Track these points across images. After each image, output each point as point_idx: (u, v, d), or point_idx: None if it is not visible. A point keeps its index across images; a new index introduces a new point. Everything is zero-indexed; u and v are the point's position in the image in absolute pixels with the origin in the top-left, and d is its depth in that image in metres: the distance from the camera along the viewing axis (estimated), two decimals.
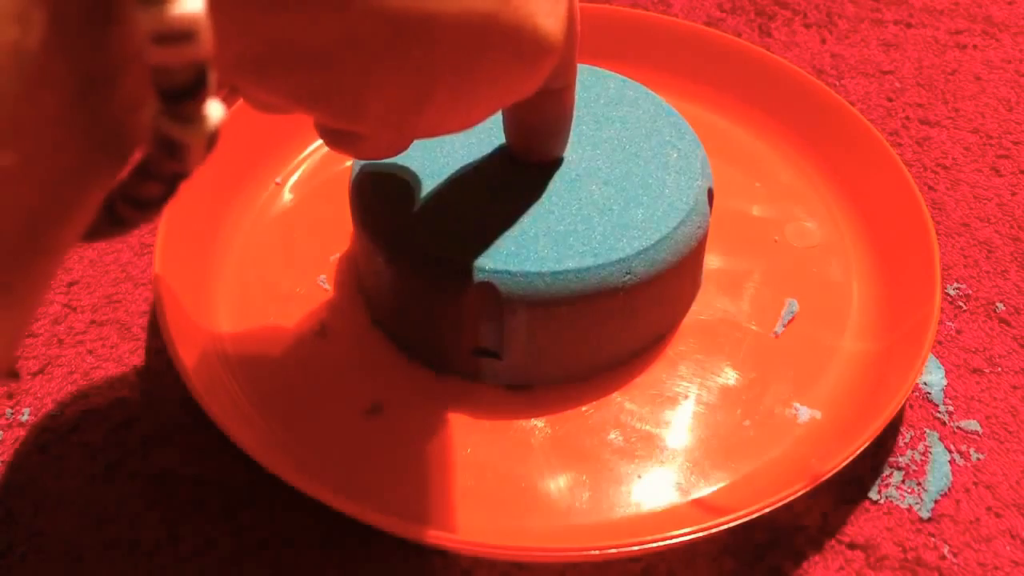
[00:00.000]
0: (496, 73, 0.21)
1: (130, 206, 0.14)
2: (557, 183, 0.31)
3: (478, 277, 0.29)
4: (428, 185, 0.31)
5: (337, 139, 0.23)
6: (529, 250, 0.29)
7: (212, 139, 0.13)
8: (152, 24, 0.11)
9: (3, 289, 0.11)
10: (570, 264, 0.29)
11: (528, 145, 0.31)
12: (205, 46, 0.11)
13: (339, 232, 0.36)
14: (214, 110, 0.12)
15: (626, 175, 0.32)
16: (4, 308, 0.11)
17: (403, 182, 0.31)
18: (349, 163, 0.36)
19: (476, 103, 0.22)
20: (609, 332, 0.31)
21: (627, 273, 0.29)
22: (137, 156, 0.13)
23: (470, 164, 0.32)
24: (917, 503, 0.30)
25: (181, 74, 0.11)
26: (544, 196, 0.31)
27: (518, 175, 0.32)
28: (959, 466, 0.31)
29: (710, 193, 0.33)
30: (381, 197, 0.31)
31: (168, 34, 0.11)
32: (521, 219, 0.30)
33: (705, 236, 0.33)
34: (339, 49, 0.17)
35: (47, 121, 0.11)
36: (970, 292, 0.36)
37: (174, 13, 0.11)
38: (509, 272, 0.29)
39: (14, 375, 0.31)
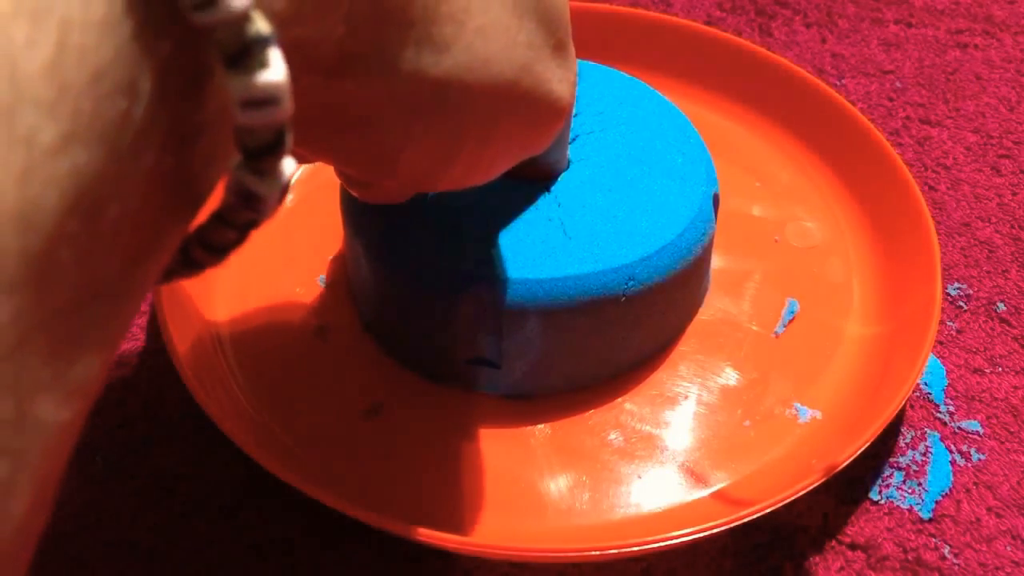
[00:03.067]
0: (514, 134, 0.23)
1: (205, 251, 0.15)
2: (558, 188, 0.31)
3: (475, 284, 0.28)
4: None
5: (356, 184, 0.24)
6: (528, 256, 0.29)
7: (284, 190, 0.14)
8: (241, 92, 0.12)
9: (106, 322, 0.12)
10: (571, 270, 0.28)
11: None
12: (287, 110, 0.12)
13: (339, 231, 0.36)
14: (288, 165, 0.13)
15: (630, 181, 0.31)
16: (101, 343, 0.12)
17: None
18: None
19: (493, 162, 0.23)
20: (611, 340, 0.31)
21: (629, 280, 0.29)
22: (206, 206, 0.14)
23: None
24: (918, 503, 0.30)
25: (263, 134, 0.13)
26: (544, 201, 0.30)
27: (517, 179, 0.31)
28: (960, 466, 0.31)
29: (716, 199, 0.33)
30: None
31: (255, 100, 0.12)
32: (520, 224, 0.30)
33: (710, 243, 0.33)
34: (381, 112, 0.18)
35: (144, 177, 0.12)
36: (971, 292, 0.36)
37: (261, 82, 0.12)
38: (508, 279, 0.28)
39: None
